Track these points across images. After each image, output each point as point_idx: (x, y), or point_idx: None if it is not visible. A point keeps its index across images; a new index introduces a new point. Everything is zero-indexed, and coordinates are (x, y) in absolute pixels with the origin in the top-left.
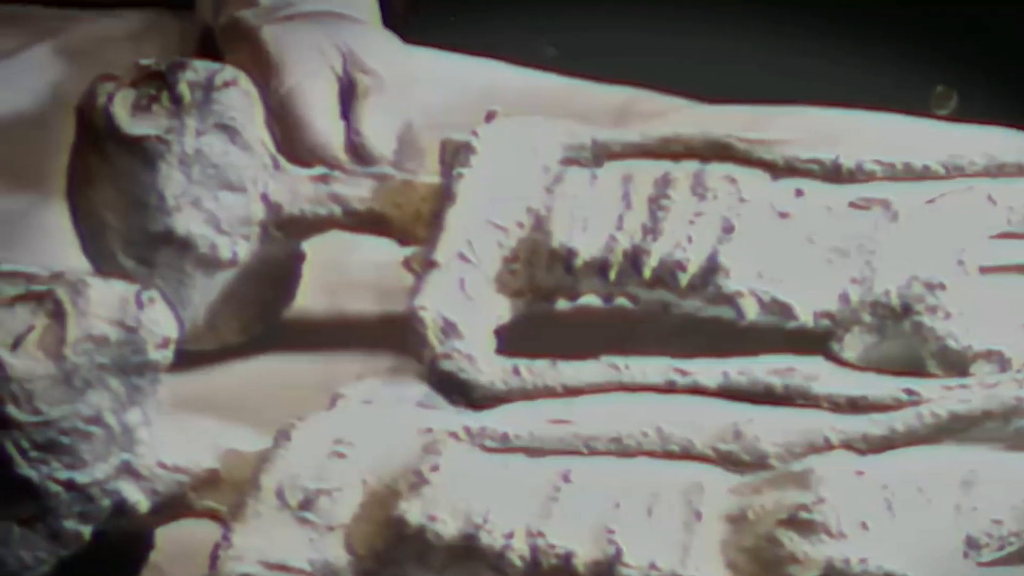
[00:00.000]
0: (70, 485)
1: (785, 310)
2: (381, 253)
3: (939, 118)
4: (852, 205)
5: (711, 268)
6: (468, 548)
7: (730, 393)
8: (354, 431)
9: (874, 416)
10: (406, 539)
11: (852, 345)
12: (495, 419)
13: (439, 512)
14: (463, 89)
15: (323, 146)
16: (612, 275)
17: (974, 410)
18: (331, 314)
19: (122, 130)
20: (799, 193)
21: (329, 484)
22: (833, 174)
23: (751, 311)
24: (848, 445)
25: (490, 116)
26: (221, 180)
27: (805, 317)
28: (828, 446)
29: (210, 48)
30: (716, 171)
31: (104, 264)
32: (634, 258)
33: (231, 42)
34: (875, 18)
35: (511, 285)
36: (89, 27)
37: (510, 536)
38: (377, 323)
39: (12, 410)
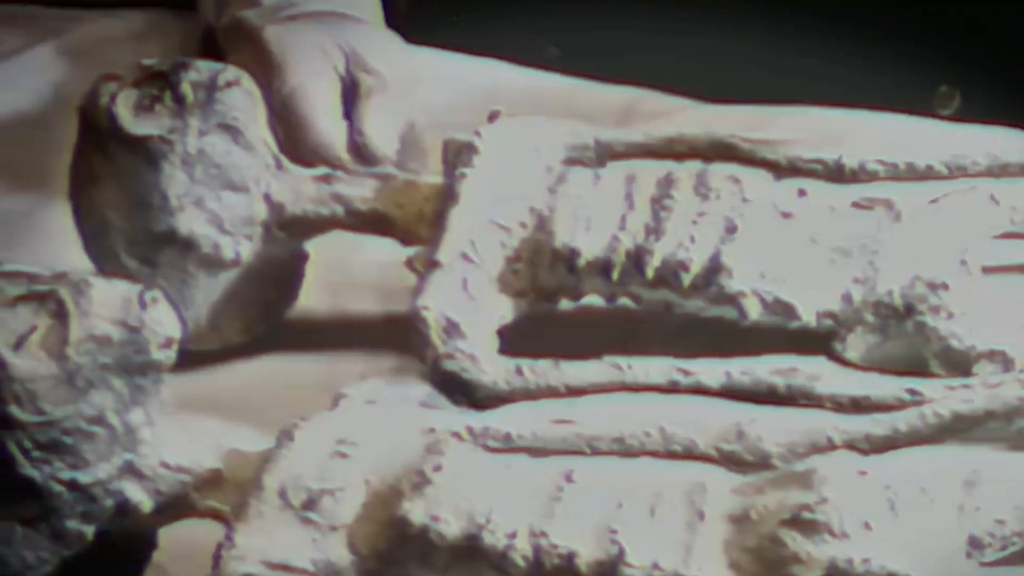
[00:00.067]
0: (73, 485)
1: (788, 310)
2: (384, 253)
3: (942, 118)
4: (855, 205)
5: (714, 268)
6: (471, 548)
7: (733, 393)
8: (357, 431)
9: (877, 416)
10: (409, 539)
11: (855, 345)
12: (498, 419)
13: (442, 512)
14: (466, 89)
15: (326, 146)
16: (615, 275)
17: (977, 410)
18: (334, 314)
19: (125, 130)
20: (802, 193)
21: (332, 484)
22: (836, 174)
23: (754, 311)
24: (851, 445)
25: (493, 116)
26: (224, 180)
27: (808, 317)
28: (831, 446)
29: (212, 48)
30: (719, 171)
31: (107, 264)
32: (637, 258)
33: (233, 42)
34: (878, 18)
35: (514, 285)
36: (91, 27)
37: (513, 536)
38: (380, 323)
39: (15, 410)
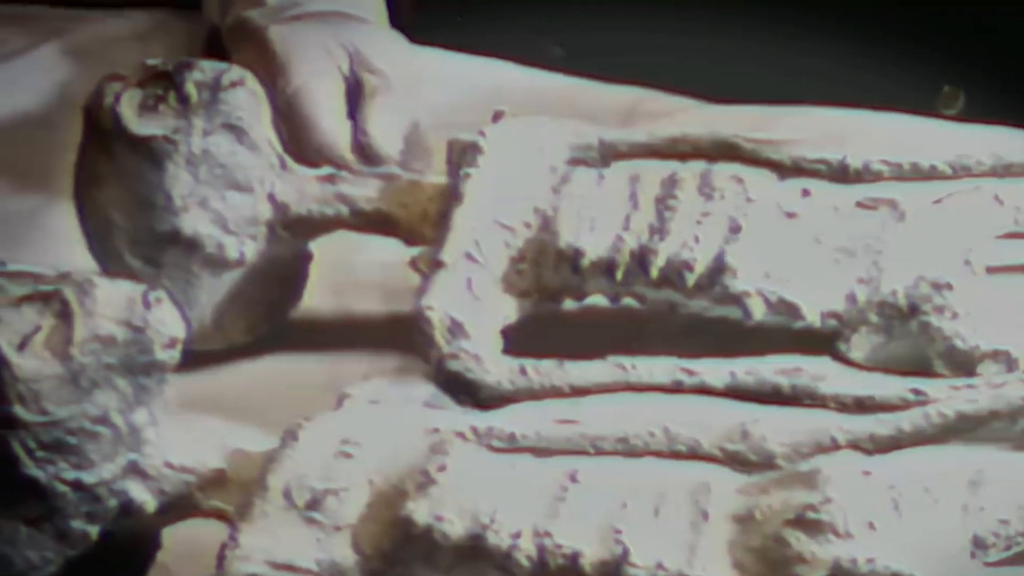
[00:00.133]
0: (77, 485)
1: (792, 310)
2: (388, 253)
3: (946, 118)
4: (859, 205)
5: (718, 268)
6: (475, 548)
7: (737, 393)
8: (361, 431)
9: (881, 416)
10: (413, 539)
11: (859, 345)
12: (502, 419)
13: (446, 512)
14: (470, 89)
15: (330, 146)
16: (619, 275)
17: (981, 410)
18: (338, 314)
19: (129, 130)
20: (806, 193)
21: (336, 484)
22: (840, 174)
23: (758, 311)
24: (855, 445)
25: (497, 116)
26: (228, 180)
27: (812, 317)
28: (835, 446)
29: (217, 48)
30: (723, 171)
31: (111, 264)
32: (641, 258)
33: (238, 42)
34: (882, 18)
35: (518, 285)
36: (96, 27)
37: (517, 536)
38: (384, 323)
39: (19, 410)
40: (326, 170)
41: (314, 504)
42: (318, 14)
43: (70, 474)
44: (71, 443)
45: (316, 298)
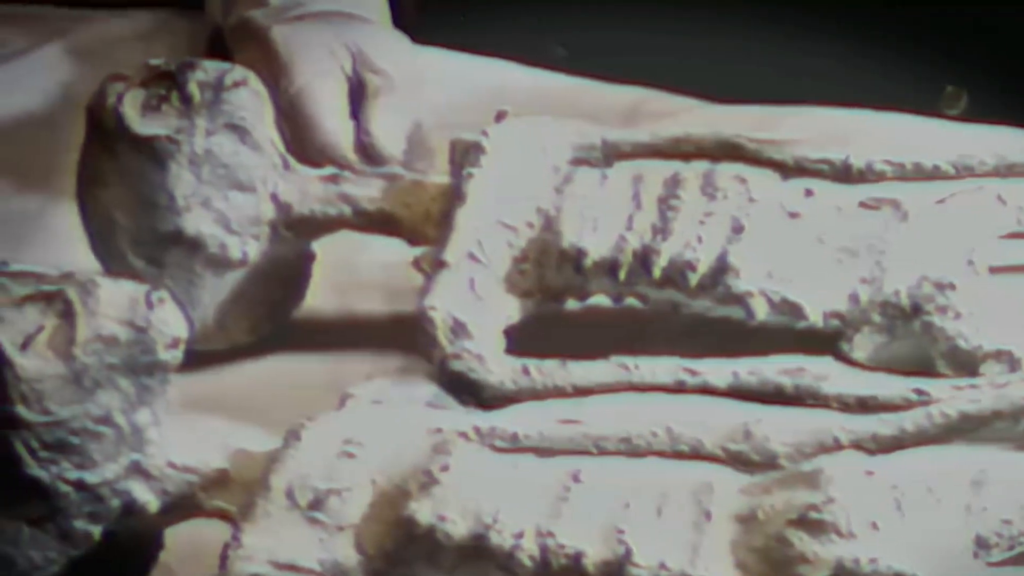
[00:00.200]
0: (80, 485)
1: (795, 310)
2: (391, 253)
3: (949, 118)
4: (862, 205)
5: (721, 268)
6: (478, 548)
7: (740, 393)
8: (364, 431)
9: (884, 416)
10: (416, 539)
11: (862, 345)
12: (505, 419)
13: (449, 512)
14: (473, 89)
15: (333, 146)
16: (622, 275)
17: (984, 410)
18: (341, 314)
19: (132, 130)
20: (809, 193)
21: (339, 484)
22: (843, 174)
23: (761, 311)
24: (858, 445)
25: (500, 116)
26: (231, 180)
27: (815, 317)
28: (838, 446)
29: (220, 48)
30: (726, 171)
31: (114, 264)
32: (644, 258)
33: (241, 42)
34: (885, 18)
35: (521, 285)
36: (99, 27)
37: (520, 536)
38: (387, 323)
39: (22, 410)
40: (329, 170)
41: (317, 504)
42: (321, 14)
43: (73, 474)
44: (74, 443)
45: (319, 298)
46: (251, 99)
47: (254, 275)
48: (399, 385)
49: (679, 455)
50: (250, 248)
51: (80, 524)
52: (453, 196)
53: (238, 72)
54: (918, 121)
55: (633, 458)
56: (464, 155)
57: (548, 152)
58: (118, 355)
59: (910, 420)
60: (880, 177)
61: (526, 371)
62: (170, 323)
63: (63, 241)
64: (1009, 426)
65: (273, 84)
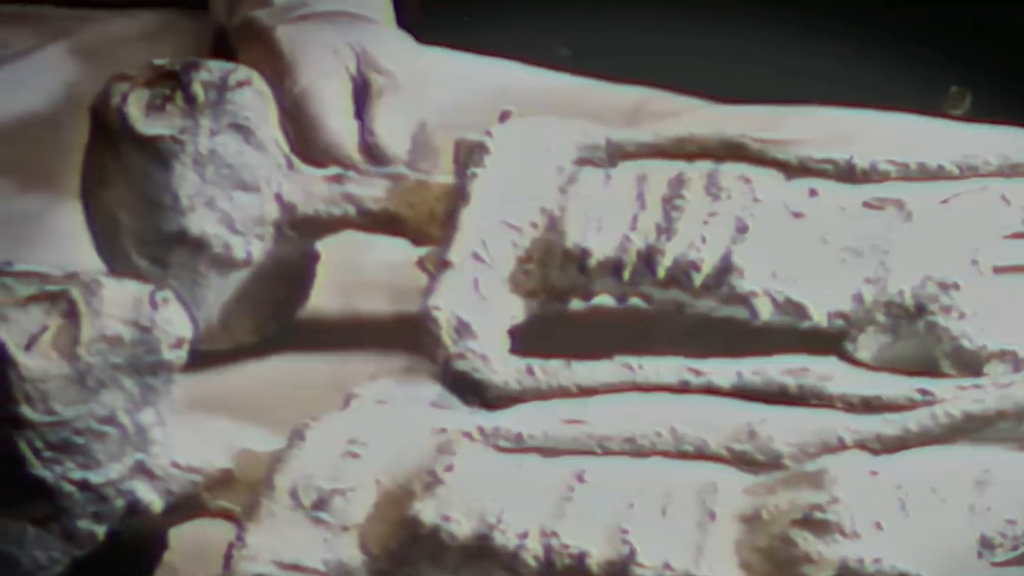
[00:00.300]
0: (84, 485)
1: (799, 310)
2: (395, 253)
3: (953, 118)
4: (866, 205)
5: (725, 268)
6: (482, 548)
7: (744, 393)
8: (368, 431)
9: (888, 416)
10: (420, 539)
11: (866, 345)
12: (509, 419)
13: (453, 512)
14: (477, 89)
15: (337, 146)
16: (626, 275)
17: (988, 410)
18: (345, 314)
19: (136, 130)
20: (813, 193)
21: (343, 484)
22: (847, 174)
23: (765, 311)
24: (862, 445)
25: (504, 116)
26: (235, 180)
27: (819, 317)
28: (842, 446)
29: (224, 48)
30: (730, 171)
31: (118, 264)
32: (648, 258)
33: (245, 42)
34: (889, 18)
35: (525, 285)
36: (103, 27)
37: (524, 536)
38: (391, 323)
39: (26, 410)
40: (333, 170)
41: (321, 504)
42: (325, 14)
43: (77, 474)
44: (78, 443)
45: (323, 298)
46: (255, 99)
47: (258, 275)
48: (403, 385)
49: (683, 455)
50: (254, 248)
51: (84, 524)
52: (457, 196)
53: (242, 72)
54: (922, 121)
55: (637, 458)
56: (468, 155)
57: (552, 152)
58: (122, 355)
59: (914, 420)
60: (884, 177)
61: (530, 371)
62: (174, 323)
63: (67, 241)
64: (1013, 426)
65: (277, 84)
